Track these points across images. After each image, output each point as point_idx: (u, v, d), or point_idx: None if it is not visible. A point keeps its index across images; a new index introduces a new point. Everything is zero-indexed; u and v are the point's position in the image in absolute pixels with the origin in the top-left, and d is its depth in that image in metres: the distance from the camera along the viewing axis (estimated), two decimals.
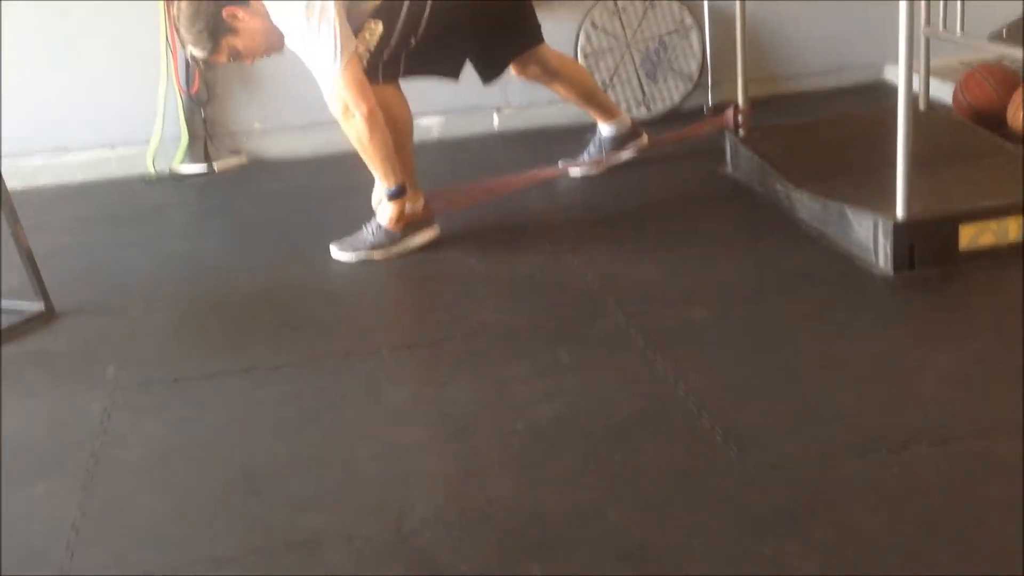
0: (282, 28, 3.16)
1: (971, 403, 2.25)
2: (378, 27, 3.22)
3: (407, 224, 3.33)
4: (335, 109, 3.16)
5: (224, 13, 3.15)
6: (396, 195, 3.27)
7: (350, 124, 3.16)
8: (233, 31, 3.19)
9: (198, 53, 3.27)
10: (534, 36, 3.67)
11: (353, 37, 3.15)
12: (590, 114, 3.96)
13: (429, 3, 3.22)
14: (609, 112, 3.94)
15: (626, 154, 3.94)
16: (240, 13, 3.17)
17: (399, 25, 3.23)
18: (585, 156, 3.94)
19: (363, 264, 3.30)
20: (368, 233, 3.34)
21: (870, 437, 2.14)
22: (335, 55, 3.08)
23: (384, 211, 3.31)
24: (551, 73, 3.77)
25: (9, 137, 4.24)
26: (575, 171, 3.91)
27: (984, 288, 2.78)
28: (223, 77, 4.46)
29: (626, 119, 3.98)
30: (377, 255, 3.31)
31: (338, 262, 3.32)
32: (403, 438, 2.32)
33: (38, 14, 4.33)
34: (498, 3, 3.46)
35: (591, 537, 1.92)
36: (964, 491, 1.97)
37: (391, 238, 3.32)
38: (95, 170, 4.48)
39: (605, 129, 3.94)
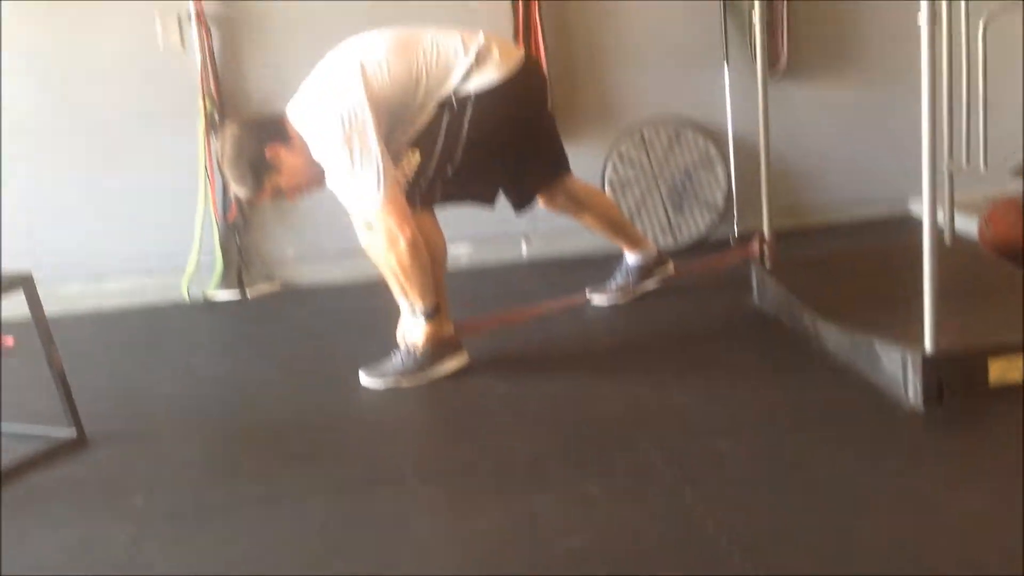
0: (324, 165, 3.23)
1: (1000, 543, 2.21)
2: (415, 156, 3.29)
3: (436, 351, 3.36)
4: (377, 236, 3.20)
5: (267, 152, 3.23)
6: (432, 314, 3.31)
7: (392, 251, 3.20)
8: (276, 169, 3.26)
9: (242, 193, 3.34)
10: (562, 166, 3.75)
11: (393, 165, 3.22)
12: (616, 243, 4.01)
13: (465, 132, 3.30)
14: (635, 241, 4.00)
15: (651, 283, 3.99)
16: (283, 152, 3.24)
17: (436, 154, 3.30)
18: (612, 285, 3.98)
19: (392, 391, 3.32)
20: (397, 360, 3.37)
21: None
22: (379, 184, 3.15)
23: (418, 331, 3.34)
24: (578, 203, 3.84)
25: (47, 264, 4.33)
26: (602, 299, 3.95)
27: (1014, 424, 2.75)
28: (258, 206, 4.56)
29: (652, 248, 4.03)
30: (406, 382, 3.34)
31: (367, 389, 3.34)
32: (429, 569, 2.30)
33: (79, 142, 4.48)
34: (530, 133, 3.55)
35: None
36: None
37: (420, 365, 3.35)
38: (131, 297, 4.57)
39: (631, 258, 3.99)
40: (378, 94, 3.20)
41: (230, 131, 3.30)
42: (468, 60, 3.29)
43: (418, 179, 3.30)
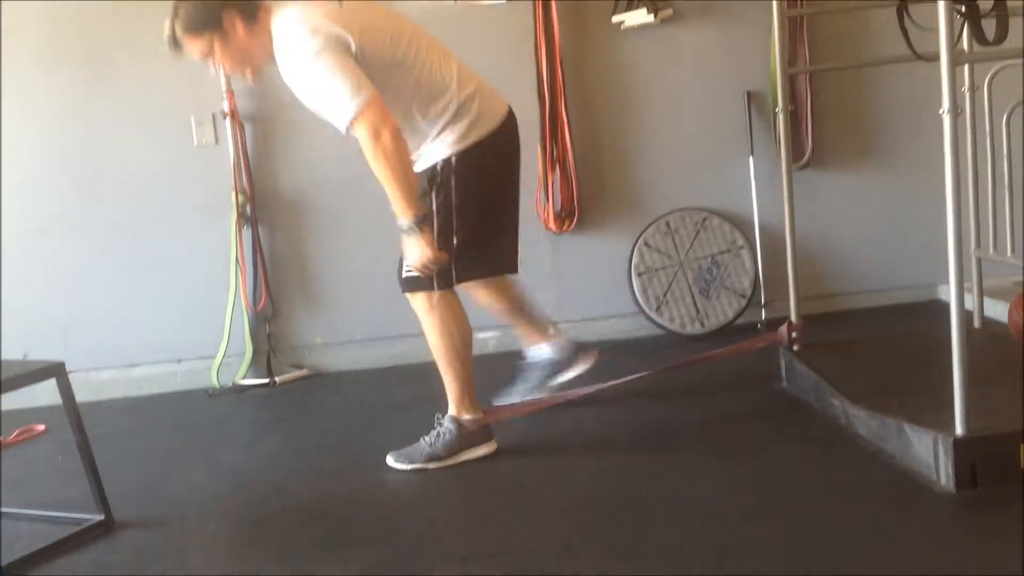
0: (297, 79, 3.11)
1: None
2: (425, 234, 3.22)
3: (465, 438, 3.36)
4: (362, 136, 3.05)
5: (225, 16, 3.12)
6: (417, 226, 3.16)
7: (377, 146, 3.04)
8: (225, 36, 3.15)
9: (179, 30, 3.17)
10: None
11: (368, 80, 3.06)
12: (522, 332, 3.87)
13: (465, 189, 3.25)
14: (543, 332, 3.86)
15: (568, 375, 3.83)
16: (240, 26, 3.14)
17: (441, 224, 3.26)
18: (518, 387, 3.83)
19: (418, 475, 3.31)
20: (425, 444, 3.37)
21: None
22: (355, 93, 3.01)
23: (411, 248, 3.21)
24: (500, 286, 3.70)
25: (79, 352, 4.39)
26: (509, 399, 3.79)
27: None
28: (287, 295, 4.62)
29: (561, 340, 3.86)
30: (433, 466, 3.33)
31: (394, 473, 3.34)
32: None
33: (113, 233, 4.56)
34: (516, 188, 3.48)
35: None
36: None
37: (449, 450, 3.35)
38: (161, 384, 4.61)
39: (538, 352, 3.85)
40: (363, 38, 3.09)
41: None
42: (460, 98, 3.22)
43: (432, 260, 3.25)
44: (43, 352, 4.00)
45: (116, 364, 4.61)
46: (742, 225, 4.77)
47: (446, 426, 3.38)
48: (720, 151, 4.79)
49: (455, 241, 3.28)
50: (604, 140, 4.76)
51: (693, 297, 4.72)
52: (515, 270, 3.58)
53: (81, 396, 3.19)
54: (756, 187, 4.73)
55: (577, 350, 3.86)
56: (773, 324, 4.27)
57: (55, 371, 3.08)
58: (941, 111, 2.75)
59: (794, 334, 3.84)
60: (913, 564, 2.49)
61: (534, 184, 4.64)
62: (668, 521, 2.83)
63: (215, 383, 4.54)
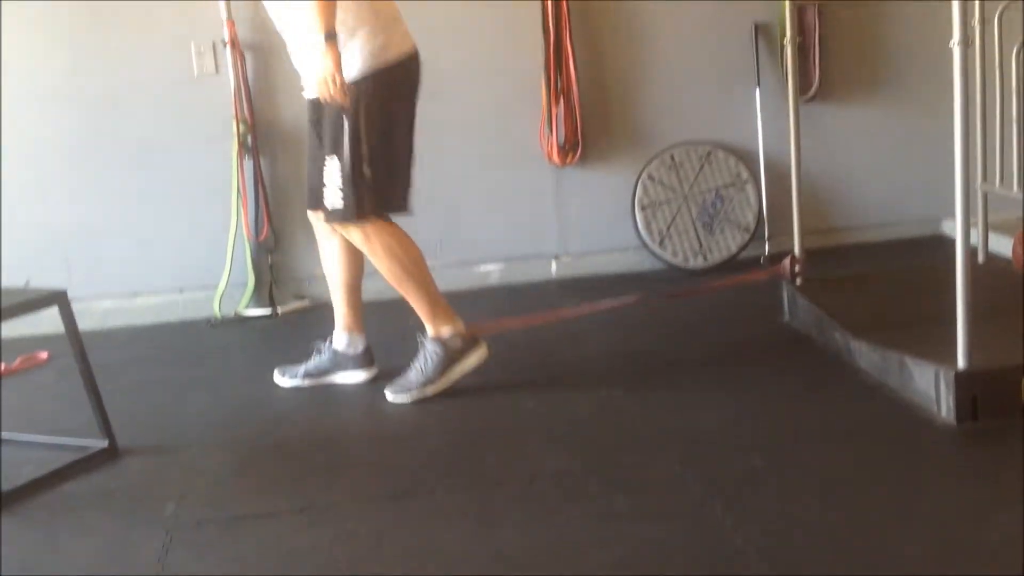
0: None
1: None
2: (333, 162, 3.20)
3: (452, 353, 3.33)
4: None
5: None
6: (330, 41, 3.06)
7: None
8: None
9: None
10: None
11: None
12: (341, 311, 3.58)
13: (377, 123, 3.19)
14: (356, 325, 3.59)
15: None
16: None
17: (353, 149, 3.19)
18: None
19: (419, 405, 3.32)
20: (416, 371, 3.36)
21: None
22: None
23: (317, 62, 3.09)
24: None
25: (81, 280, 4.39)
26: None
27: None
28: (289, 225, 4.60)
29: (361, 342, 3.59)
30: (430, 390, 3.33)
31: (394, 404, 3.35)
32: None
33: (114, 162, 4.54)
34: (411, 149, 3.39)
35: None
36: None
37: (441, 369, 3.33)
38: (163, 313, 4.61)
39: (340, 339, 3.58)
40: None
41: None
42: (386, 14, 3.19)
43: (354, 187, 3.19)
44: (45, 281, 3.99)
45: (118, 293, 4.61)
46: (747, 158, 4.73)
47: (429, 348, 3.36)
48: (726, 83, 4.74)
49: (369, 172, 3.20)
50: (609, 72, 4.71)
51: (696, 231, 4.71)
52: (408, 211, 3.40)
53: (83, 325, 3.19)
54: (762, 120, 4.68)
55: (368, 358, 3.58)
56: (776, 258, 4.27)
57: (57, 299, 3.08)
58: (952, 43, 2.72)
59: (797, 268, 3.83)
60: (913, 495, 2.51)
61: (538, 117, 4.60)
62: (668, 453, 2.85)
63: (217, 313, 4.54)
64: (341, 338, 3.56)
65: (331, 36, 3.06)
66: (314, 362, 3.58)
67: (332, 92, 3.10)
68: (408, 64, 3.27)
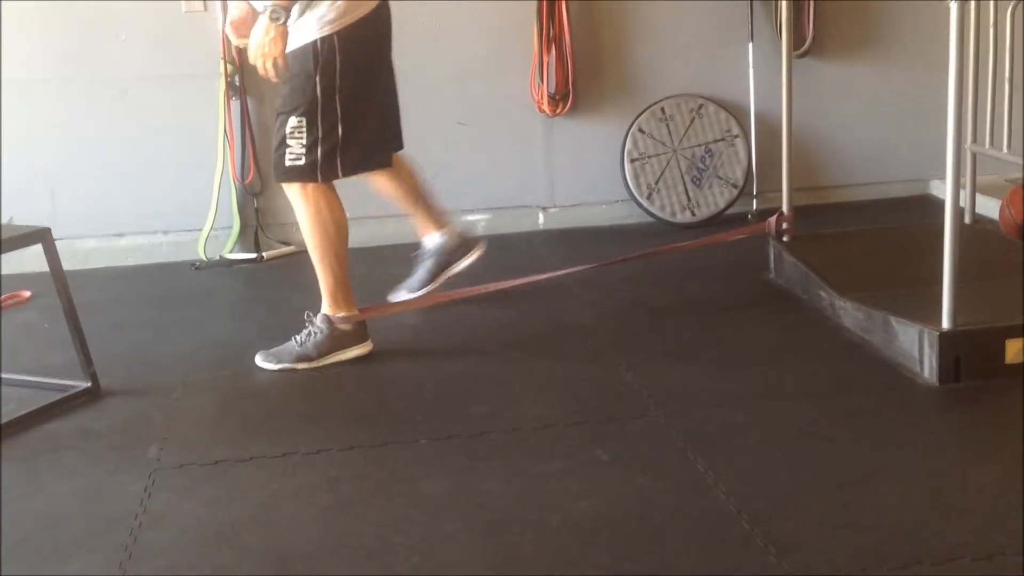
0: None
1: (1011, 519, 2.21)
2: (299, 122, 3.15)
3: (337, 339, 3.27)
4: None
5: None
6: (280, 17, 3.00)
7: None
8: None
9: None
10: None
11: None
12: (416, 218, 3.73)
13: (341, 76, 3.12)
14: (437, 220, 3.72)
15: (460, 266, 3.71)
16: None
17: (320, 113, 3.13)
18: (416, 279, 3.72)
19: (405, 354, 3.32)
20: (295, 344, 3.27)
21: (912, 550, 2.11)
22: None
23: (259, 32, 3.02)
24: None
25: (66, 220, 4.35)
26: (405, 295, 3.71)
27: None
28: None
29: (454, 231, 3.74)
30: (302, 367, 3.24)
31: (381, 353, 3.34)
32: (438, 530, 2.31)
33: (99, 101, 4.48)
34: (390, 73, 3.37)
35: None
36: None
37: (319, 351, 3.25)
38: (147, 254, 4.58)
39: (432, 240, 3.72)
40: None
41: None
42: None
43: (313, 149, 3.15)
44: (29, 219, 3.95)
45: (102, 233, 4.58)
46: (738, 113, 4.71)
47: (317, 325, 3.29)
48: (719, 37, 4.70)
49: (340, 131, 3.15)
50: (602, 21, 4.66)
51: (685, 186, 4.69)
52: (400, 147, 3.45)
53: (67, 264, 3.17)
54: (754, 74, 4.66)
55: (468, 240, 3.73)
56: (764, 215, 4.26)
57: (41, 236, 3.06)
58: (948, 1, 2.70)
59: (784, 225, 3.82)
60: (893, 453, 2.54)
61: (529, 65, 4.57)
62: (652, 404, 2.86)
63: (202, 256, 4.52)
64: (434, 238, 3.67)
65: (284, 13, 2.98)
66: (420, 271, 3.67)
67: (268, 70, 3.04)
68: (373, 19, 3.17)
